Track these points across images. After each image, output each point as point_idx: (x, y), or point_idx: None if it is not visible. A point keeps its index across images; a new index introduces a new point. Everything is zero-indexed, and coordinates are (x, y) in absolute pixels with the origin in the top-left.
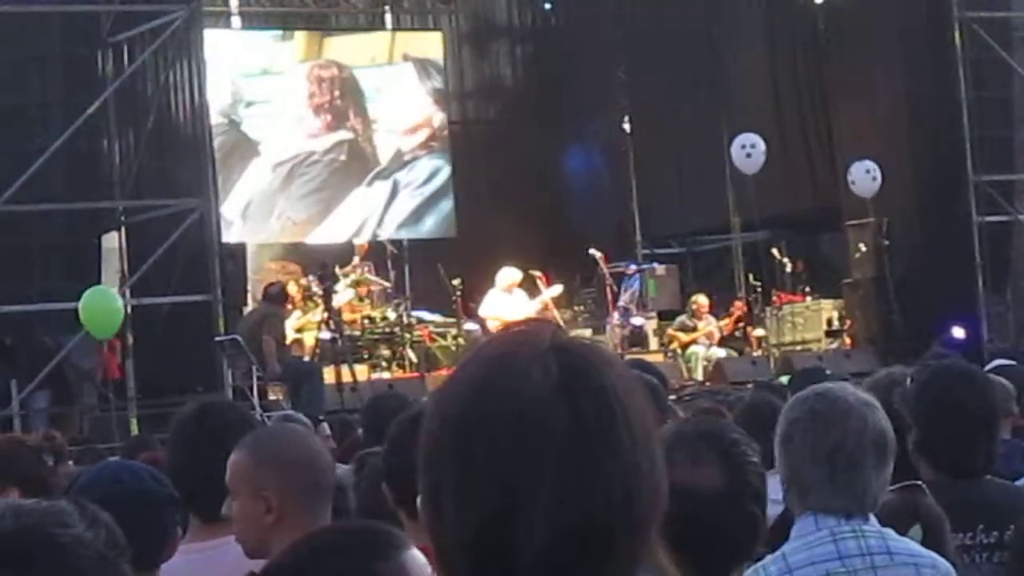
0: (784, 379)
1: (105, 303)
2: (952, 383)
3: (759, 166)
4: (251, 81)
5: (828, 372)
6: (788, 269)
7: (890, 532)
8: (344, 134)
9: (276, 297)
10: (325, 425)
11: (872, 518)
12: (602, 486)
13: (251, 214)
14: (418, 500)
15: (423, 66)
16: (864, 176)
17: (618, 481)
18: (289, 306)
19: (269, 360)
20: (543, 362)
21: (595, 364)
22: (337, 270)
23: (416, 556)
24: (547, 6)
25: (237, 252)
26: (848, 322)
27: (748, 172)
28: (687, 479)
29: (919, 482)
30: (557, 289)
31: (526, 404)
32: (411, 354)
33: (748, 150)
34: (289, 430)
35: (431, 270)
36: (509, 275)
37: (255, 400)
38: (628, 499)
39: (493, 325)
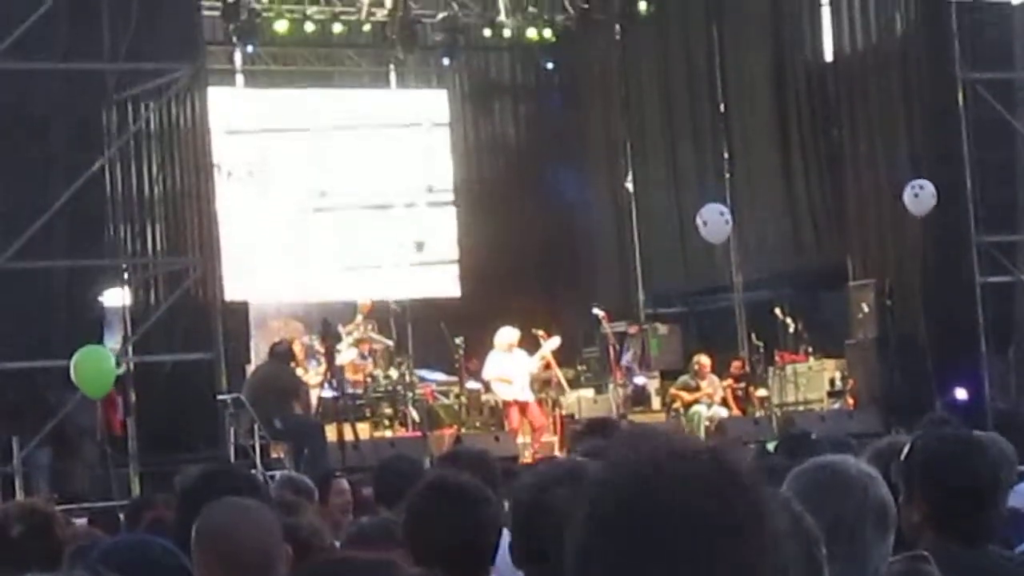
0: (771, 445)
1: (96, 362)
2: (957, 453)
3: (724, 236)
4: (254, 138)
5: (813, 436)
6: (790, 329)
7: None
8: (347, 192)
9: (283, 355)
10: (343, 481)
11: None
12: None
13: (255, 271)
14: None
15: (426, 125)
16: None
17: None
18: (292, 364)
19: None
20: (704, 465)
21: (746, 468)
22: (340, 328)
23: None
24: (549, 65)
25: (240, 310)
26: (850, 382)
27: (715, 242)
28: None
29: (924, 552)
30: (556, 341)
31: (694, 502)
32: (413, 413)
33: (704, 218)
34: (237, 516)
35: (434, 329)
36: (508, 335)
37: (257, 459)
38: None
39: (497, 387)
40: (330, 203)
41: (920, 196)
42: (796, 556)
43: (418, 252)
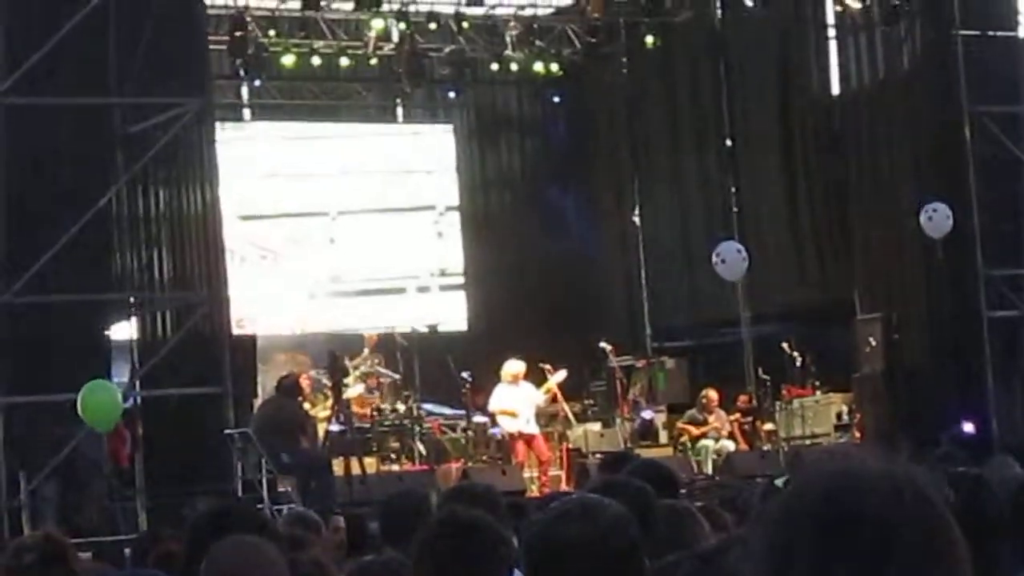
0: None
1: (103, 396)
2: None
3: (741, 273)
4: (268, 223)
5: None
6: (797, 363)
7: None
8: (354, 225)
9: (290, 389)
10: (340, 519)
11: None
12: None
13: (261, 304)
14: None
15: (433, 158)
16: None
17: None
18: (300, 398)
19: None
20: (890, 480)
21: (925, 484)
22: (347, 362)
23: None
24: (556, 99)
25: (247, 344)
26: (857, 416)
27: (732, 279)
28: None
29: None
30: (562, 374)
31: (894, 514)
32: (420, 446)
33: (723, 256)
34: (245, 555)
35: (441, 362)
36: (513, 367)
37: (264, 493)
38: None
39: (503, 419)
40: (344, 287)
41: (934, 218)
42: None
43: (424, 285)
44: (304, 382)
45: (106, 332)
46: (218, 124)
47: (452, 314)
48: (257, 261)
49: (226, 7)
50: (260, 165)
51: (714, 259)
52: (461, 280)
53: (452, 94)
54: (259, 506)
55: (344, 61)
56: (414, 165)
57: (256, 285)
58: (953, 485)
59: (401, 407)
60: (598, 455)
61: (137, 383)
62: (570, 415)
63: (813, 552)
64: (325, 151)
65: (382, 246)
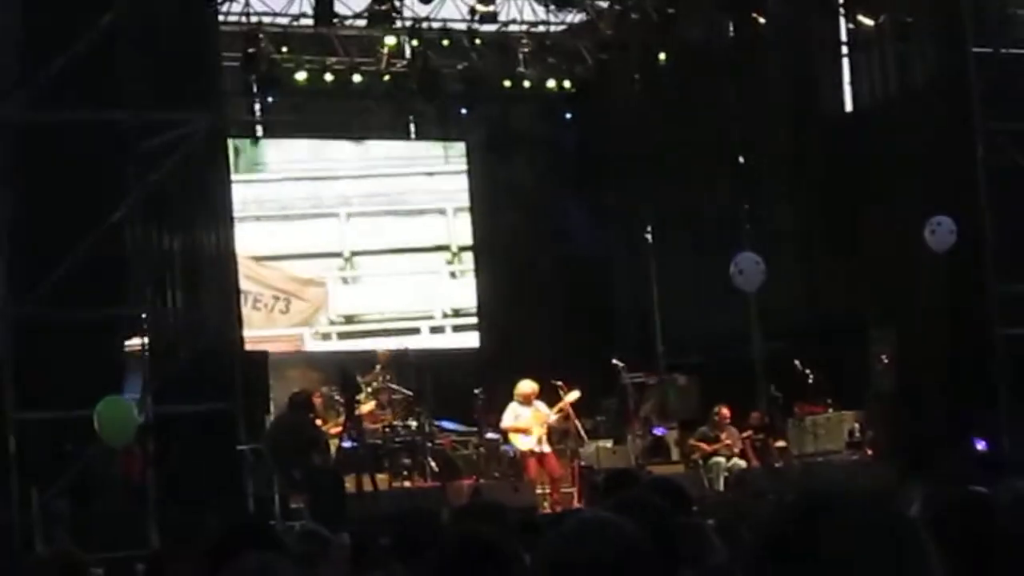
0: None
1: (119, 412)
2: (966, 511)
3: (758, 284)
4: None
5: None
6: (809, 380)
7: None
8: (368, 240)
9: (302, 405)
10: (346, 536)
11: None
12: None
13: (274, 315)
14: None
15: (445, 175)
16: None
17: None
18: (311, 414)
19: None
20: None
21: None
22: (359, 379)
23: None
24: (568, 115)
25: (259, 360)
26: (869, 433)
27: (749, 290)
28: None
29: None
30: (575, 395)
31: (866, 537)
32: (432, 463)
33: (740, 266)
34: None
35: (452, 379)
36: (526, 387)
37: (276, 509)
38: None
39: (515, 437)
40: (348, 250)
41: (937, 232)
42: None
43: (437, 301)
44: (316, 399)
45: (119, 348)
46: (231, 141)
47: (463, 333)
48: (270, 302)
49: (239, 24)
50: (272, 205)
51: (732, 269)
52: (475, 320)
53: (464, 110)
54: (271, 522)
55: (357, 77)
56: (427, 203)
57: (273, 325)
58: (958, 505)
59: (413, 423)
60: (598, 473)
61: (149, 399)
62: (582, 432)
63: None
64: (337, 188)
65: (395, 286)
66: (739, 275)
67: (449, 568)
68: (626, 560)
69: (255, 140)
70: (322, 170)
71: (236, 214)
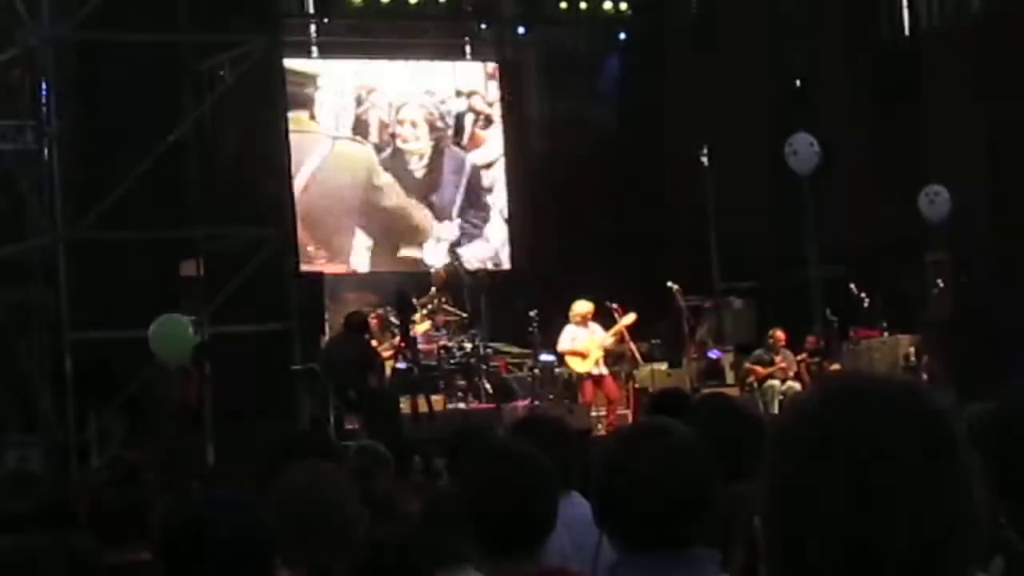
0: None
1: (176, 331)
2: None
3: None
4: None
5: None
6: (865, 304)
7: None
8: (422, 164)
9: (358, 326)
10: (417, 459)
11: None
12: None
13: (328, 240)
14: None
15: (502, 98)
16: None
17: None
18: (367, 335)
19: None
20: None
21: (942, 401)
22: (414, 300)
23: None
24: (622, 36)
25: (314, 281)
26: (925, 357)
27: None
28: None
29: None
30: (631, 317)
31: (894, 428)
32: (487, 385)
33: (795, 147)
34: (316, 479)
35: (508, 301)
36: (581, 307)
37: (332, 429)
38: None
39: (571, 360)
40: (404, 172)
41: (936, 202)
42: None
43: (492, 223)
44: (372, 320)
45: (175, 269)
46: (286, 61)
47: (518, 253)
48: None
49: None
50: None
51: (786, 150)
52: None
53: (520, 31)
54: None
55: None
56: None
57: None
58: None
59: (468, 345)
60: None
61: (205, 320)
62: (637, 355)
63: (802, 474)
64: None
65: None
66: (793, 156)
67: (473, 479)
68: (680, 467)
69: (310, 61)
70: (375, 90)
71: None
